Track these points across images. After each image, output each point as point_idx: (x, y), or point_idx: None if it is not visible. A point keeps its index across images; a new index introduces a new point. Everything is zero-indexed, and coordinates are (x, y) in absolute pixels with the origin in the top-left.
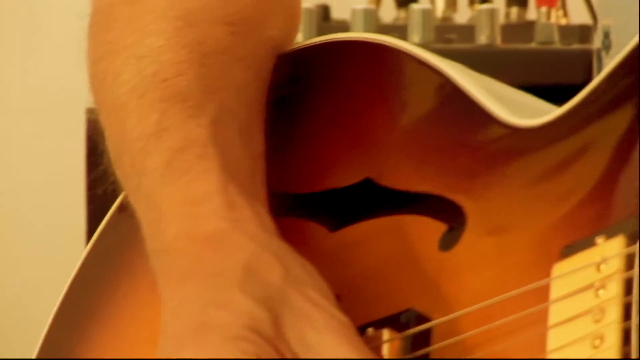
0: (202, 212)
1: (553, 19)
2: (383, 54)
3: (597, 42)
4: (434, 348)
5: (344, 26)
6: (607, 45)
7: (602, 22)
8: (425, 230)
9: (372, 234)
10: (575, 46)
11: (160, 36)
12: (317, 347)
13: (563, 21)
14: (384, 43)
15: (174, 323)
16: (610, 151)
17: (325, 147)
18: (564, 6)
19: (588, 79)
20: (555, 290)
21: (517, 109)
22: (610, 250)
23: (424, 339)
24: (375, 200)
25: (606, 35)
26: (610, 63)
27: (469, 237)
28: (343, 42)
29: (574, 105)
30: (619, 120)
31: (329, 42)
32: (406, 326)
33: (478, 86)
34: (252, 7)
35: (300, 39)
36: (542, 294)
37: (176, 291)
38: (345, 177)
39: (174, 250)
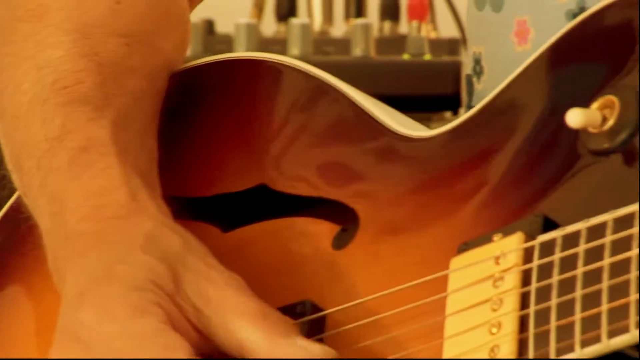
0: (105, 202)
1: (423, 33)
2: (274, 71)
3: (468, 69)
4: (328, 334)
5: (227, 39)
6: (478, 72)
7: (473, 49)
8: (319, 230)
9: (267, 234)
10: (445, 58)
11: (59, 47)
12: (217, 300)
13: (433, 35)
14: (279, 62)
15: (74, 285)
16: (505, 158)
17: (218, 155)
18: (433, 20)
19: (457, 89)
20: (453, 282)
21: (401, 120)
22: (508, 246)
23: (319, 326)
24: (270, 203)
25: (477, 61)
26: (500, 85)
27: (363, 237)
28: (234, 60)
29: (468, 117)
30: (511, 131)
31: (220, 60)
32: (302, 315)
33: (367, 99)
34: (146, 20)
35: (188, 52)
36: (440, 287)
37: (77, 263)
38: (240, 182)
39: (76, 233)
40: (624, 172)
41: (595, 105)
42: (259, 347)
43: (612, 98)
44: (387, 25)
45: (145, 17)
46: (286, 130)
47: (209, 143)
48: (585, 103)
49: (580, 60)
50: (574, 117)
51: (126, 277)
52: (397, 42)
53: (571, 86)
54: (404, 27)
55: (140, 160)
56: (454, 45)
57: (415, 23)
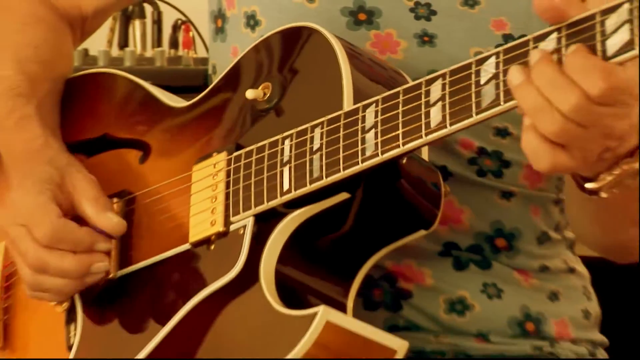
0: (31, 143)
1: None
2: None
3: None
4: (136, 205)
5: None
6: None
7: None
8: (132, 154)
9: (111, 157)
10: None
11: (7, 69)
12: (78, 188)
13: None
14: (118, 74)
15: (14, 178)
16: (220, 114)
17: (85, 122)
18: None
19: None
20: (194, 178)
21: (172, 98)
22: (219, 158)
23: (131, 203)
24: (109, 143)
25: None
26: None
27: (153, 158)
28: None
29: (206, 92)
30: (223, 99)
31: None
32: (121, 197)
33: (156, 89)
34: (50, 53)
35: None
36: (189, 180)
37: (17, 170)
38: (93, 133)
39: (15, 156)
40: (273, 120)
41: (260, 87)
42: (90, 215)
43: (267, 83)
44: None
45: (51, 51)
46: (119, 108)
47: (83, 117)
48: (257, 84)
49: (260, 60)
50: (249, 94)
51: (37, 175)
52: None
53: (254, 75)
54: None
55: (51, 122)
56: None
57: None
